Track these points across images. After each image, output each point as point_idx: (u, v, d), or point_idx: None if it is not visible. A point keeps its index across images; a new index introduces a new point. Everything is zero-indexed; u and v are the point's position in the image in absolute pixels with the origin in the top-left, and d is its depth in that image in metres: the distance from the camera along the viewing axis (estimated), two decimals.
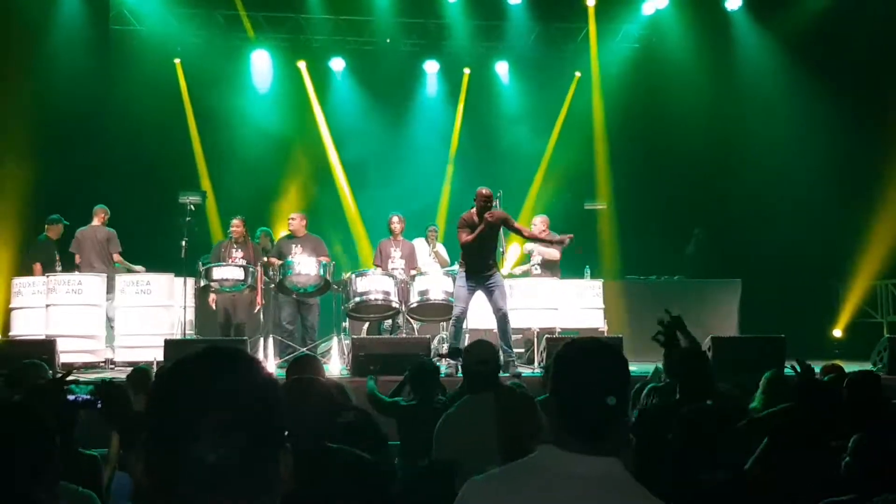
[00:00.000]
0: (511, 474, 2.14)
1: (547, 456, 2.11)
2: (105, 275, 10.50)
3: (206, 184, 13.97)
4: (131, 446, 4.91)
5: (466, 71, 15.48)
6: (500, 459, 3.36)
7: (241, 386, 1.34)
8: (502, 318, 9.40)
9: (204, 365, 1.36)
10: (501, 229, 9.59)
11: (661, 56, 15.00)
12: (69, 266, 10.88)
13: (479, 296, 9.47)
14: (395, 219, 11.17)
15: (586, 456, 2.06)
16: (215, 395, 1.32)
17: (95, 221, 11.03)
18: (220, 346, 1.43)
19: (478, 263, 9.33)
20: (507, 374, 8.04)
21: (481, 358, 4.48)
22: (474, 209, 9.29)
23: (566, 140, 15.30)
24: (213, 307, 10.83)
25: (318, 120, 15.09)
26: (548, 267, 11.48)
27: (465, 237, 9.26)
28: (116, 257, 10.92)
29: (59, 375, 4.32)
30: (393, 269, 10.82)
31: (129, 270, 10.87)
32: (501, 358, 9.11)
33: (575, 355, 2.21)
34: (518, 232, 9.84)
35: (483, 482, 2.14)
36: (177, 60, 14.35)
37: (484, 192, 9.28)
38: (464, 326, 9.62)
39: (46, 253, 11.04)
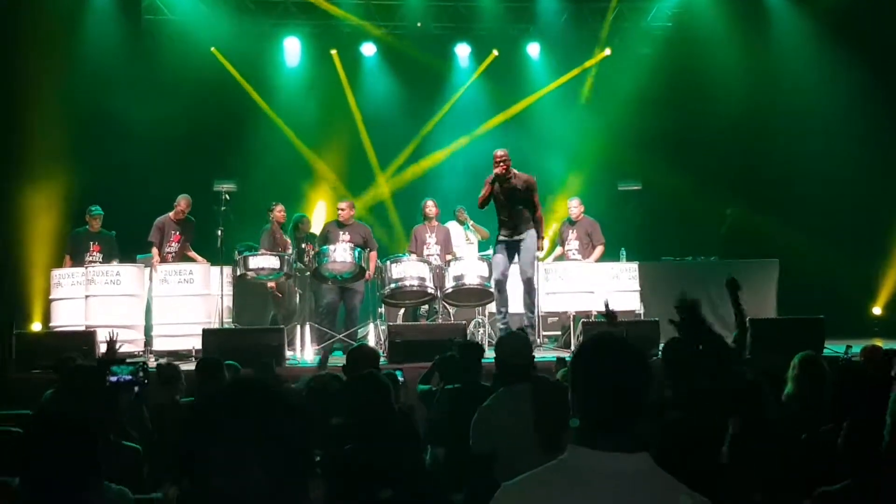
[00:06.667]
0: (543, 477, 2.15)
1: (576, 456, 2.12)
2: (143, 265, 10.63)
3: (240, 171, 13.98)
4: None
5: (494, 52, 15.31)
6: (538, 451, 3.37)
7: (255, 422, 1.43)
8: (528, 283, 9.49)
9: (224, 402, 1.46)
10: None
11: (693, 35, 14.75)
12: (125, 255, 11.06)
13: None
14: (430, 203, 11.15)
15: (615, 453, 2.07)
16: (232, 431, 1.41)
17: None
18: (244, 382, 1.50)
19: (504, 226, 9.48)
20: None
21: (514, 350, 4.49)
22: None
23: (599, 120, 15.15)
24: (280, 296, 10.98)
25: (350, 105, 15.07)
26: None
27: (482, 192, 9.45)
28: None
29: (101, 356, 4.35)
30: (428, 254, 10.80)
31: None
32: (526, 322, 9.29)
33: (590, 353, 2.24)
34: (532, 205, 9.59)
35: (516, 487, 2.16)
36: (213, 49, 14.32)
37: (496, 152, 9.41)
38: (506, 290, 9.64)
39: (74, 244, 11.16)
